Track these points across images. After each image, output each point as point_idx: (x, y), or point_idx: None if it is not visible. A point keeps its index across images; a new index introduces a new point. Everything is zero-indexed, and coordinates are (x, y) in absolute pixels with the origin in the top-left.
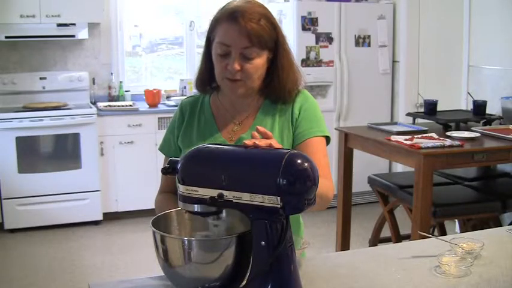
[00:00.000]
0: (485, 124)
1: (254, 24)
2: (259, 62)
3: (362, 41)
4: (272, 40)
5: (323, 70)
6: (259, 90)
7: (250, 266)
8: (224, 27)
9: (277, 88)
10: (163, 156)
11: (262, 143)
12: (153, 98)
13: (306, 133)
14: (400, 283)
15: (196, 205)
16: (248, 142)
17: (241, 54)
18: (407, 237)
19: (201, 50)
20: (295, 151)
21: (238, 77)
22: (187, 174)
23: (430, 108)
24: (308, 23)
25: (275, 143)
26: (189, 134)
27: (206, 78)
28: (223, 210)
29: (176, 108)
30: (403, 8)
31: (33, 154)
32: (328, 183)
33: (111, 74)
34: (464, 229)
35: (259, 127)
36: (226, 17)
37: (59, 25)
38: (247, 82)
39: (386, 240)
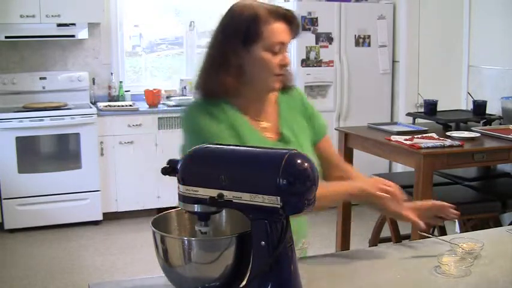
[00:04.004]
0: (485, 124)
1: (297, 20)
2: None
3: (362, 41)
4: None
5: (323, 70)
6: None
7: (250, 266)
8: (278, 27)
9: (290, 76)
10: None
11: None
12: (153, 98)
13: (322, 130)
14: (400, 283)
15: (196, 205)
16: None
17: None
18: (407, 237)
19: (201, 50)
20: (295, 151)
21: (285, 71)
22: (187, 174)
23: (430, 108)
24: (308, 23)
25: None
26: (235, 134)
27: (234, 83)
28: (211, 217)
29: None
30: (403, 8)
31: (33, 154)
32: None
33: (111, 74)
34: (464, 229)
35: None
36: (278, 18)
37: (59, 25)
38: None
39: (386, 240)
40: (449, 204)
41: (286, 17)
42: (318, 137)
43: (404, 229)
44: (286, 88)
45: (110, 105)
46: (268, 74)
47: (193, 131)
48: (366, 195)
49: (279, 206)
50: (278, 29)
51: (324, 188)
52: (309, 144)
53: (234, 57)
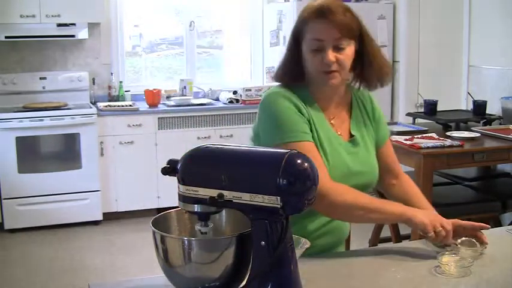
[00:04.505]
0: (485, 124)
1: (341, 16)
2: (350, 51)
3: None
4: (358, 30)
5: None
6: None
7: (250, 266)
8: (314, 24)
9: (372, 75)
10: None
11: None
12: (153, 98)
13: (385, 136)
14: (400, 283)
15: (196, 205)
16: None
17: (334, 46)
18: (407, 237)
19: (202, 50)
20: (295, 151)
21: (334, 68)
22: (187, 174)
23: (430, 108)
24: None
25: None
26: (311, 123)
27: (293, 73)
28: (211, 218)
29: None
30: (403, 8)
31: (33, 154)
32: None
33: (111, 74)
34: None
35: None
36: (315, 15)
37: (59, 25)
38: (341, 72)
39: (387, 240)
40: (481, 225)
41: (323, 14)
42: (380, 142)
43: (404, 229)
44: (372, 86)
45: (110, 105)
46: (314, 71)
47: (270, 116)
48: (420, 228)
49: (279, 206)
50: (314, 27)
51: (384, 204)
52: (373, 148)
53: (293, 56)
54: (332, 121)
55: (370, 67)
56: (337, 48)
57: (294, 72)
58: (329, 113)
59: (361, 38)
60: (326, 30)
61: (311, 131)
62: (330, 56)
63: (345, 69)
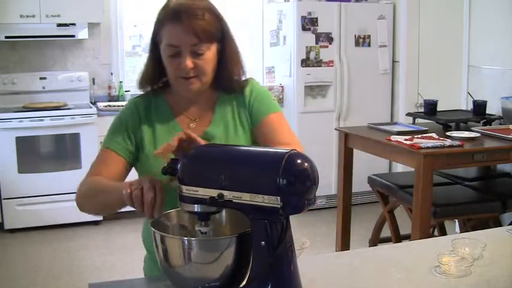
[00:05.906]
0: (485, 124)
1: (199, 20)
2: (210, 55)
3: (362, 41)
4: (219, 31)
5: (323, 70)
6: (212, 83)
7: (250, 266)
8: (170, 29)
9: (227, 76)
10: (107, 152)
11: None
12: None
13: (262, 111)
14: (400, 283)
15: (196, 205)
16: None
17: (191, 51)
18: (407, 237)
19: None
20: (295, 151)
21: (192, 74)
22: (187, 174)
23: (430, 108)
24: (308, 23)
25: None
26: (150, 134)
27: (152, 78)
28: (211, 217)
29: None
30: (403, 8)
31: (33, 154)
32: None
33: (111, 74)
34: (464, 229)
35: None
36: (170, 18)
37: (59, 25)
38: (201, 78)
39: (387, 240)
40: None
41: (179, 17)
42: (254, 123)
43: (404, 229)
44: (227, 89)
45: (109, 105)
46: (171, 76)
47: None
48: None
49: (279, 206)
50: (169, 31)
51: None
52: (243, 140)
53: (151, 57)
54: (192, 124)
55: (224, 69)
56: (195, 54)
57: (156, 77)
58: (188, 117)
59: (224, 39)
60: (182, 35)
61: (140, 141)
62: (187, 63)
63: (205, 74)
